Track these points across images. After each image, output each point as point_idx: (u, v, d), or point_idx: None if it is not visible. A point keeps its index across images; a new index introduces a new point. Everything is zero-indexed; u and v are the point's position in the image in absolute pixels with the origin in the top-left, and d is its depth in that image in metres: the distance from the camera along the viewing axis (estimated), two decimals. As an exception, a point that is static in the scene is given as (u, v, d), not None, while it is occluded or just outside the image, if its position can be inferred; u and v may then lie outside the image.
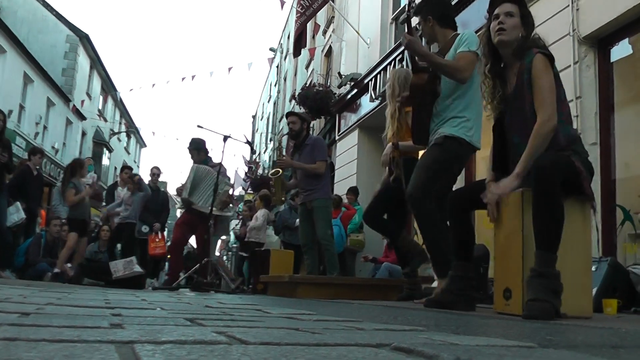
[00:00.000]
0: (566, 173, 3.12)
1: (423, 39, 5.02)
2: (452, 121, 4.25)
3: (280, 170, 7.21)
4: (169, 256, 10.24)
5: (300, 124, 6.94)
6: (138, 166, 43.73)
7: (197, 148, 8.33)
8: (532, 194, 3.09)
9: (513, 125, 3.47)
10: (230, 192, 8.75)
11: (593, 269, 4.09)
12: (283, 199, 7.49)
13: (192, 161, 8.36)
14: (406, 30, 4.42)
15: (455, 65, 4.14)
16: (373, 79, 12.12)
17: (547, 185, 3.03)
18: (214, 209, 7.74)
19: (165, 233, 11.67)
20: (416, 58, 4.44)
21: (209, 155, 8.53)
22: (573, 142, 3.31)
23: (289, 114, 7.25)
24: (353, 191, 11.09)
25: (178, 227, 8.33)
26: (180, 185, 8.63)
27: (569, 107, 3.46)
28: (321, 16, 18.10)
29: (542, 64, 3.31)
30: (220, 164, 8.21)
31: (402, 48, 10.86)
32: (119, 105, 35.73)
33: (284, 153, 7.94)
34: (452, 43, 4.35)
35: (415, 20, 4.78)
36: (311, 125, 19.67)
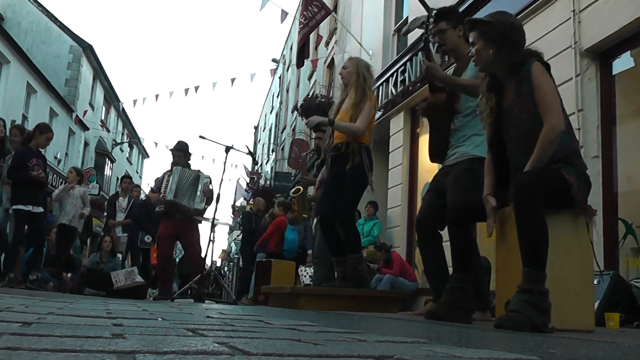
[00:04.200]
0: (551, 186, 3.11)
1: (433, 44, 4.96)
2: (473, 139, 4.24)
3: (302, 189, 7.18)
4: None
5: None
6: (140, 177, 43.78)
7: (184, 150, 8.23)
8: (514, 209, 3.09)
9: (511, 137, 3.47)
10: (232, 202, 8.71)
11: (595, 282, 4.08)
12: (305, 215, 7.42)
13: (173, 163, 8.24)
14: (425, 56, 4.44)
15: (478, 83, 4.12)
16: (375, 91, 12.13)
17: (525, 200, 3.01)
18: (199, 205, 7.73)
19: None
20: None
21: (189, 163, 8.43)
22: (571, 154, 3.30)
23: (316, 130, 7.21)
24: (372, 204, 11.04)
25: (163, 239, 8.12)
26: (151, 189, 8.50)
27: (568, 118, 3.46)
28: (324, 27, 18.17)
29: (540, 69, 3.31)
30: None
31: (405, 60, 10.92)
32: (122, 115, 35.82)
33: (307, 173, 7.89)
34: (470, 59, 4.33)
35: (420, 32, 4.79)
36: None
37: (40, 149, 8.38)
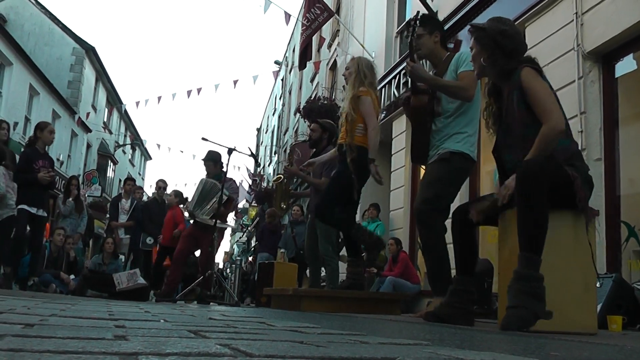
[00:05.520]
0: (556, 178, 3.10)
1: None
2: (455, 137, 4.33)
3: (281, 176, 7.17)
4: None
5: (319, 132, 6.75)
6: (143, 179, 43.82)
7: (214, 160, 8.27)
8: (516, 193, 3.09)
9: (505, 144, 3.48)
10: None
11: (597, 285, 4.07)
12: (283, 206, 7.36)
13: (205, 173, 8.34)
14: (409, 57, 4.49)
15: (461, 85, 4.23)
16: (375, 94, 12.11)
17: (531, 184, 3.01)
18: (205, 217, 7.74)
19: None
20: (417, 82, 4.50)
21: (223, 170, 8.43)
22: (572, 156, 3.29)
23: (314, 122, 7.19)
24: (375, 207, 11.03)
25: (184, 238, 8.31)
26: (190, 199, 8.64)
27: (567, 122, 3.45)
28: (326, 30, 18.19)
29: (530, 74, 3.31)
30: (232, 180, 8.23)
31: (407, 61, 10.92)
32: (124, 117, 35.86)
33: (293, 162, 7.85)
34: (448, 63, 4.45)
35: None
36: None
37: (47, 149, 8.38)
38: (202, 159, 8.36)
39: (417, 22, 4.50)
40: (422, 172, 4.69)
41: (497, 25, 3.50)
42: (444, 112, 4.40)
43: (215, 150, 8.35)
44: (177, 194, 11.38)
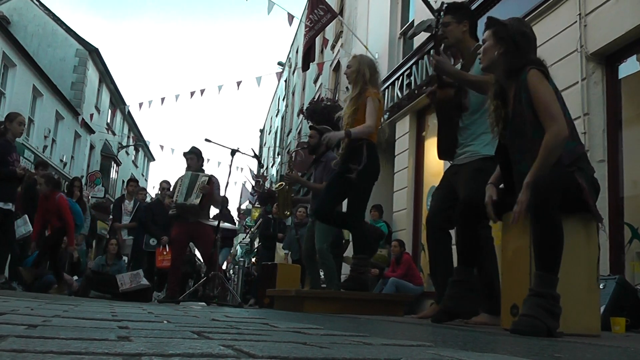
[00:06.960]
0: (566, 190, 3.09)
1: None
2: (482, 138, 4.21)
3: (284, 183, 7.18)
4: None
5: (317, 138, 6.77)
6: (146, 180, 43.83)
7: (197, 154, 8.40)
8: (530, 215, 3.07)
9: (514, 145, 3.46)
10: (237, 205, 8.72)
11: (601, 287, 4.07)
12: (287, 212, 7.37)
13: (187, 168, 8.43)
14: (434, 50, 4.43)
15: (487, 79, 4.02)
16: (381, 94, 12.11)
17: (543, 203, 2.99)
18: (195, 200, 7.79)
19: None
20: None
21: (203, 167, 8.56)
22: (578, 159, 3.28)
23: (310, 128, 7.19)
24: (377, 208, 11.02)
25: (177, 242, 8.32)
26: (168, 195, 8.65)
27: (573, 123, 3.44)
28: (329, 31, 18.19)
29: (536, 77, 3.28)
30: (215, 177, 8.31)
31: (411, 63, 10.92)
32: (128, 118, 35.89)
33: (293, 166, 7.88)
34: (475, 55, 4.33)
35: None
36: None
37: (15, 141, 8.29)
38: (184, 153, 8.47)
39: (442, 13, 4.41)
40: (442, 169, 4.63)
41: (519, 24, 3.50)
42: (471, 105, 4.29)
43: (196, 146, 8.53)
44: (49, 180, 9.07)
